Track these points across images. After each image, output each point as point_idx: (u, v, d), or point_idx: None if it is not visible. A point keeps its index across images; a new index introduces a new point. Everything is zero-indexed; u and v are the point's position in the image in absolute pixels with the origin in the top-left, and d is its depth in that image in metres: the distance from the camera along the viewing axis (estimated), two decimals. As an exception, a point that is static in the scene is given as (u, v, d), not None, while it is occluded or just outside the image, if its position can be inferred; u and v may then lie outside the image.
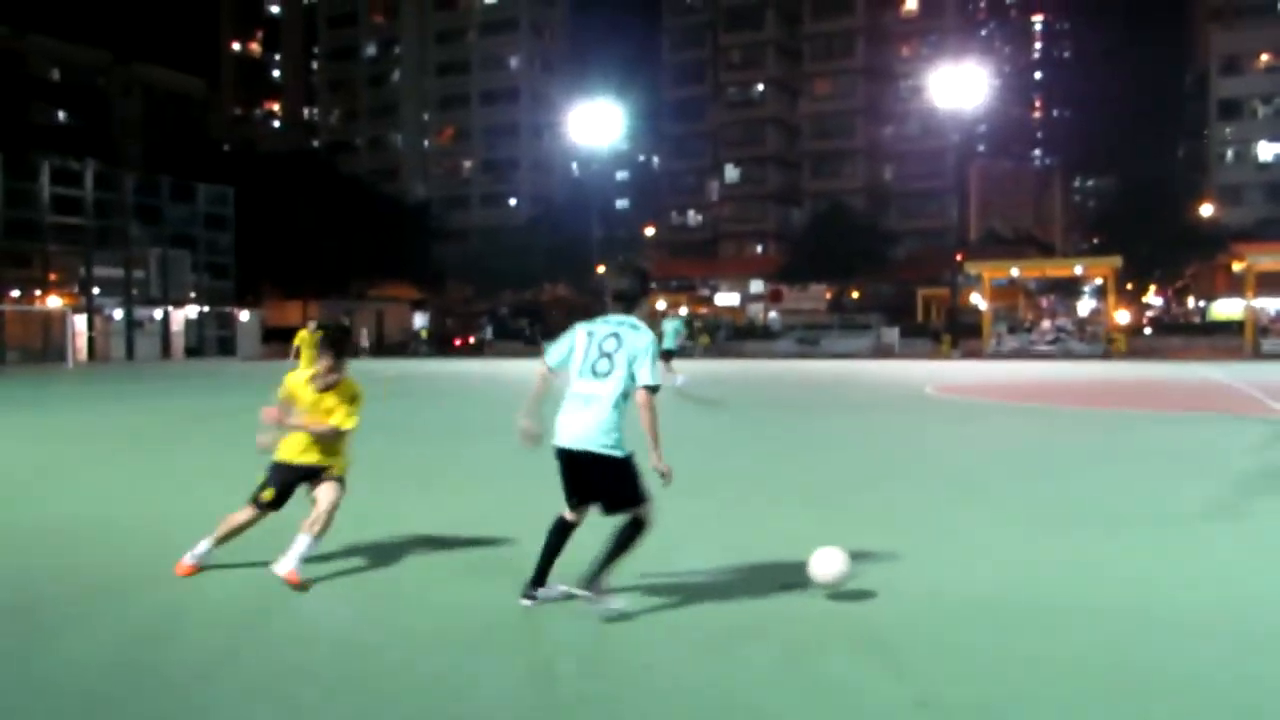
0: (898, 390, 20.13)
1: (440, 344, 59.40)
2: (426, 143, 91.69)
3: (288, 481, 5.11)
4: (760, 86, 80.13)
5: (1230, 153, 70.70)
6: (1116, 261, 42.93)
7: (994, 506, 7.15)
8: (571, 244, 61.82)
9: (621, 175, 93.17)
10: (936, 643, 4.05)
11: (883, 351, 48.57)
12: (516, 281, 65.92)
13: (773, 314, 64.88)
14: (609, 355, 4.32)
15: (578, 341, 4.42)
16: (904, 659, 3.84)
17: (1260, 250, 47.07)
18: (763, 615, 4.40)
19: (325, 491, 5.05)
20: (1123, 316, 49.54)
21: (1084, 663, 3.80)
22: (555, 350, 4.49)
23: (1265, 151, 69.89)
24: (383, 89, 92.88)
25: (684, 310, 58.84)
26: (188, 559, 5.17)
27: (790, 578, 4.80)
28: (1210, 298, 59.84)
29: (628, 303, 4.49)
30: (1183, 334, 48.17)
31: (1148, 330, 52.52)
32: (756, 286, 70.84)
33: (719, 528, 6.40)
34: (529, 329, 58.23)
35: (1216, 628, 4.27)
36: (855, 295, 67.89)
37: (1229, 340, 42.49)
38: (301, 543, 4.97)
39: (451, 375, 30.10)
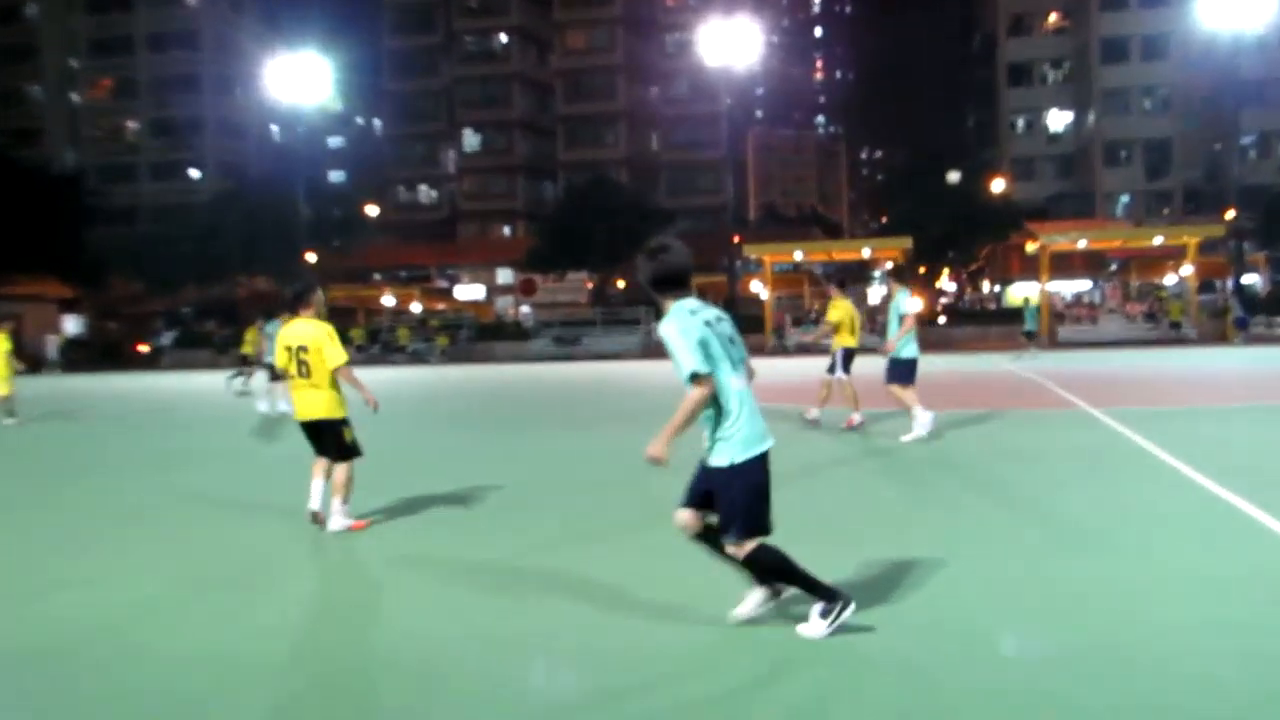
0: (669, 396, 20.46)
1: (105, 354, 55.67)
2: (76, 97, 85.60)
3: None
4: (503, 37, 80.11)
5: (1021, 122, 77.31)
6: (907, 243, 45.79)
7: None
8: (272, 226, 59.18)
9: (334, 141, 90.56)
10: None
11: (654, 350, 49.55)
12: (202, 274, 62.57)
13: (525, 309, 64.84)
14: (737, 343, 4.80)
15: (709, 335, 4.65)
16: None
17: (1053, 229, 51.72)
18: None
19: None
20: (915, 304, 52.85)
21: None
22: (696, 352, 4.59)
23: (1055, 121, 76.93)
24: (13, 28, 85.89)
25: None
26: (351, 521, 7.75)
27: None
28: (1005, 281, 65.10)
29: (688, 285, 4.80)
30: (977, 322, 52.05)
31: (942, 319, 56.37)
32: (505, 276, 70.65)
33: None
34: (220, 333, 55.44)
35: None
36: (621, 285, 68.94)
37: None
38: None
39: (105, 396, 28.00)
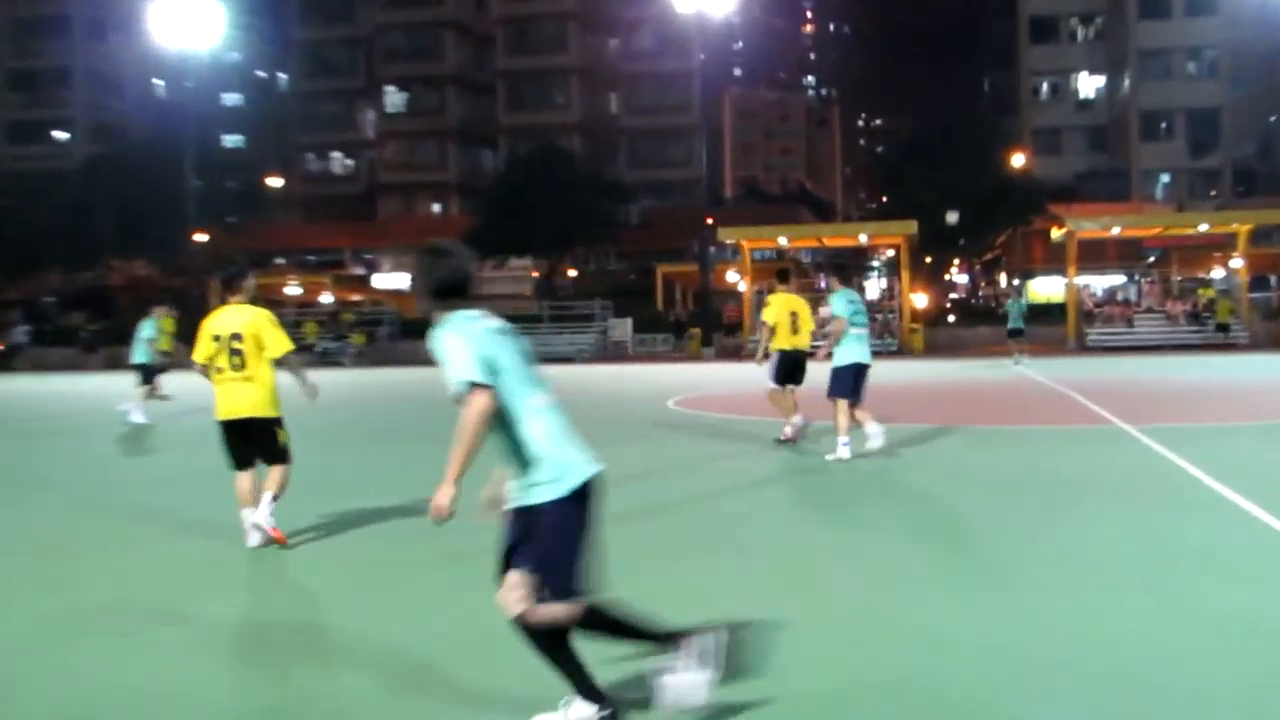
0: (629, 406, 20.42)
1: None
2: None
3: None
4: (434, -24, 79.88)
5: (1045, 86, 77.94)
6: (911, 227, 46.10)
7: (751, 565, 7.23)
8: (154, 200, 58.69)
9: (230, 99, 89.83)
10: None
11: (612, 352, 49.50)
12: (69, 256, 61.95)
13: (458, 301, 64.53)
14: (531, 358, 4.65)
15: (497, 347, 4.51)
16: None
17: (1082, 213, 52.23)
18: None
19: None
20: (919, 300, 53.17)
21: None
22: (472, 362, 4.39)
23: (1085, 85, 77.59)
24: None
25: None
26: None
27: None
28: (1027, 274, 65.63)
29: (469, 294, 4.71)
30: (993, 321, 52.34)
31: (951, 317, 56.75)
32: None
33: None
34: (88, 328, 54.90)
35: None
36: (573, 274, 68.85)
37: (1049, 329, 46.65)
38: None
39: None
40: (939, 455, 12.56)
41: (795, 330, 13.71)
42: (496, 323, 4.61)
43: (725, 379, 29.13)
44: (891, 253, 48.40)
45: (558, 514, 4.35)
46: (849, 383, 12.17)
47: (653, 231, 68.25)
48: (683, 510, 9.56)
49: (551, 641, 4.42)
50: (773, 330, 13.80)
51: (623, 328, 51.89)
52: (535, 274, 67.09)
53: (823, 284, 48.73)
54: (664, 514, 9.29)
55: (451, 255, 4.67)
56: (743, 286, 50.40)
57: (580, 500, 4.39)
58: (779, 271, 14.94)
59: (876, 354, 12.70)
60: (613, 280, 66.37)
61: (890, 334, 44.98)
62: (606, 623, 4.48)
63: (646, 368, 38.35)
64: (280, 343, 8.23)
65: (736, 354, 44.42)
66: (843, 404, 12.19)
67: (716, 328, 49.32)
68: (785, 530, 8.86)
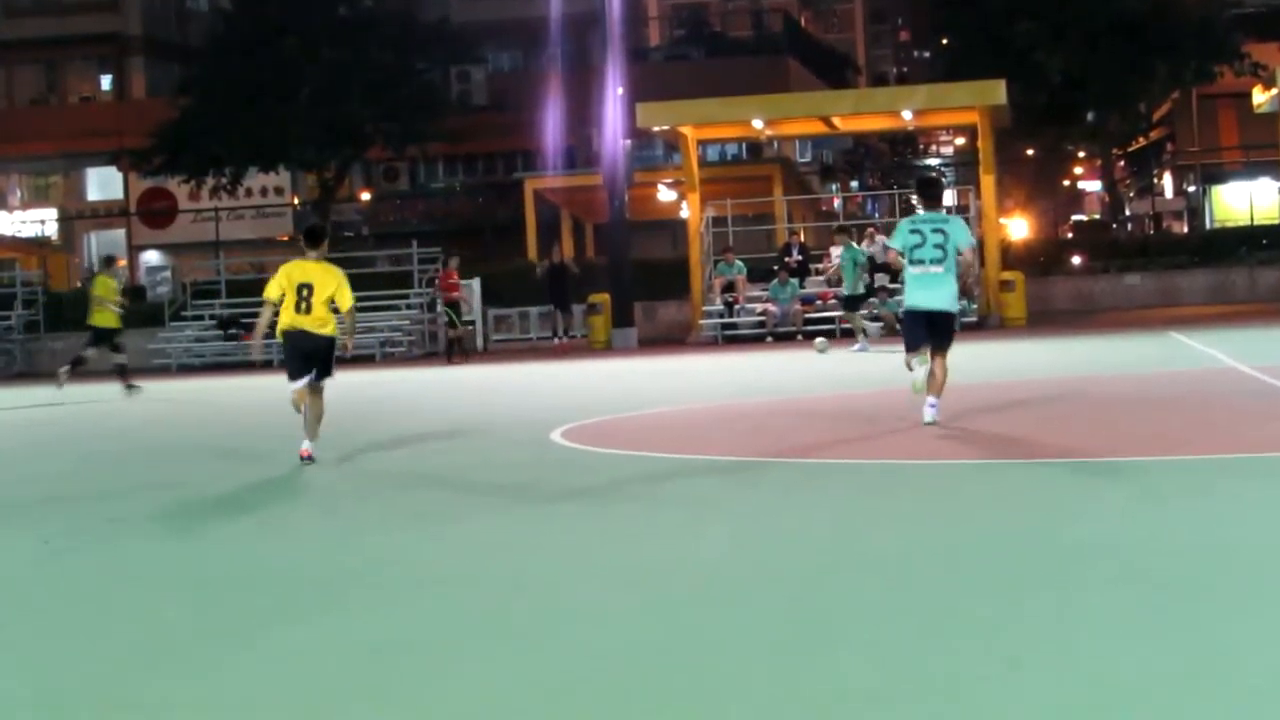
0: (482, 446, 20.05)
1: None
2: None
3: None
4: None
5: None
6: (996, 92, 46.03)
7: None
8: None
9: None
10: None
11: (449, 345, 49.40)
12: None
13: (152, 258, 64.33)
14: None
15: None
16: None
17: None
18: None
19: None
20: (1016, 228, 53.30)
21: None
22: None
23: None
24: None
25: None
26: None
27: None
28: (1211, 174, 66.04)
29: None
30: (1153, 260, 52.53)
31: (1077, 259, 56.93)
32: (103, 185, 70.28)
33: None
34: None
35: None
36: (366, 198, 68.53)
37: (1256, 277, 46.96)
38: None
39: None
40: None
41: (305, 307, 15.92)
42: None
43: (658, 387, 28.96)
44: (961, 141, 48.21)
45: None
46: (908, 333, 18.10)
47: (514, 116, 68.00)
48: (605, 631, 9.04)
49: None
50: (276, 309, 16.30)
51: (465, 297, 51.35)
52: (295, 201, 66.68)
53: (837, 204, 48.99)
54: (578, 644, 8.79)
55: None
56: (686, 212, 50.12)
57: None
58: (307, 231, 17.84)
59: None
60: (444, 208, 66.25)
61: (962, 294, 43.70)
62: None
63: (513, 370, 38.10)
64: None
65: (681, 340, 44.31)
66: (910, 359, 17.95)
67: (639, 294, 48.91)
68: None
